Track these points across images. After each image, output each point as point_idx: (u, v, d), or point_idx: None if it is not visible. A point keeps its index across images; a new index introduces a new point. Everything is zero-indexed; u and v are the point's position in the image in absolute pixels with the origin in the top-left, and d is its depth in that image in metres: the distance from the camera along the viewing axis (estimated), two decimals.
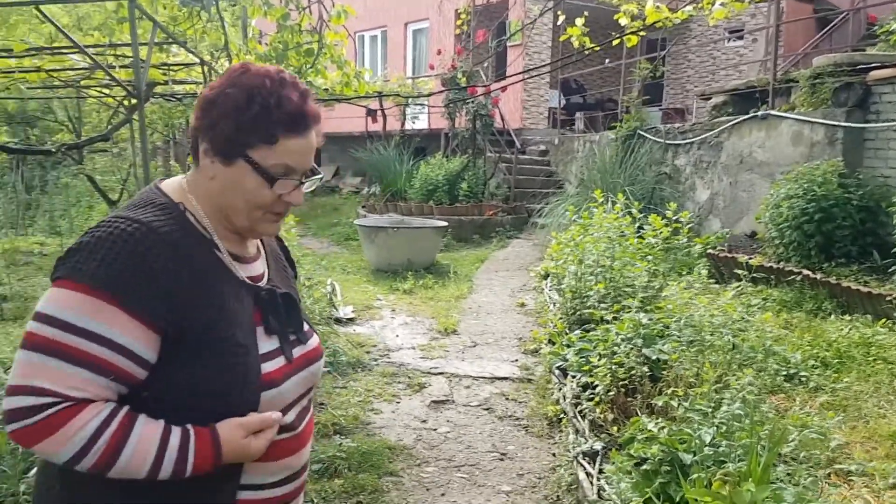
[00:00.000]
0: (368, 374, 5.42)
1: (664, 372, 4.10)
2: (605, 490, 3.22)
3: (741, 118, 8.85)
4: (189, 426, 1.29)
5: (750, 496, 2.46)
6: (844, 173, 6.94)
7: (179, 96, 7.50)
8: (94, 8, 12.42)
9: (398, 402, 4.89)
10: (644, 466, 3.05)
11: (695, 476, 2.74)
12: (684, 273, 6.39)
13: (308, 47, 4.99)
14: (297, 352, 1.49)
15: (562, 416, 4.46)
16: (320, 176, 1.50)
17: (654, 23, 6.32)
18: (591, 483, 3.38)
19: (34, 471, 2.01)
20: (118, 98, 7.52)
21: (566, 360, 4.91)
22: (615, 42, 6.82)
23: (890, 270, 6.06)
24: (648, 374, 4.07)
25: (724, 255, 7.52)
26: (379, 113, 15.42)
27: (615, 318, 4.81)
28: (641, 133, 10.73)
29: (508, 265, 10.11)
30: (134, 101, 5.88)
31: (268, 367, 1.40)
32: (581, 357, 4.70)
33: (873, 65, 7.36)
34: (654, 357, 4.20)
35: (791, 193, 6.87)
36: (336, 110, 17.09)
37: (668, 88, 17.26)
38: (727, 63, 15.78)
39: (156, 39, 4.42)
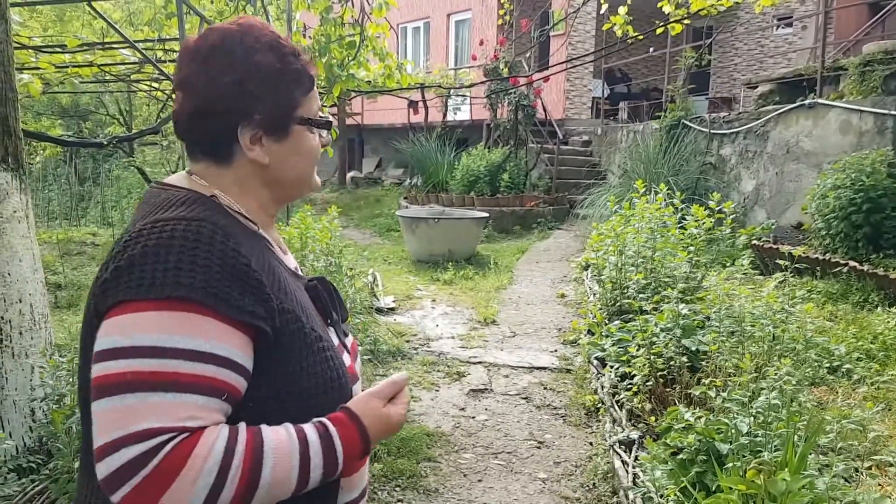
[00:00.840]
0: (408, 363, 5.50)
1: (703, 363, 4.09)
2: (639, 478, 3.24)
3: (788, 107, 8.69)
4: (317, 419, 1.12)
5: (785, 485, 2.46)
6: (894, 163, 6.79)
7: None
8: (145, 3, 12.73)
9: (437, 390, 4.96)
10: (680, 456, 3.07)
11: (730, 465, 2.75)
12: (728, 264, 6.33)
13: (350, 40, 5.07)
14: (348, 343, 1.38)
15: (599, 405, 4.48)
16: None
17: (699, 10, 6.26)
18: (627, 471, 3.40)
19: None
20: (167, 92, 7.71)
21: (604, 351, 4.93)
22: (659, 30, 6.76)
23: None
24: (687, 364, 4.07)
25: (768, 246, 7.41)
26: (420, 104, 15.48)
27: (655, 309, 4.80)
28: (686, 123, 10.60)
29: (549, 256, 10.10)
30: None
31: (345, 360, 1.28)
32: (620, 347, 4.71)
33: None
34: (693, 348, 4.20)
35: (838, 184, 6.74)
36: (378, 102, 17.27)
37: (715, 77, 16.98)
38: (775, 51, 15.46)
39: None
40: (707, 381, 3.67)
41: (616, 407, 4.24)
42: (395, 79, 6.01)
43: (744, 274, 5.58)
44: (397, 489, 3.55)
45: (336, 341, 1.28)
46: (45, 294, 3.37)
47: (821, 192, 7.01)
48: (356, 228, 13.55)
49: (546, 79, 12.70)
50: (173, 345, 0.99)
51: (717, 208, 5.97)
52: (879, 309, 5.62)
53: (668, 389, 4.06)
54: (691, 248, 5.66)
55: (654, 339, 4.27)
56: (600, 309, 6.05)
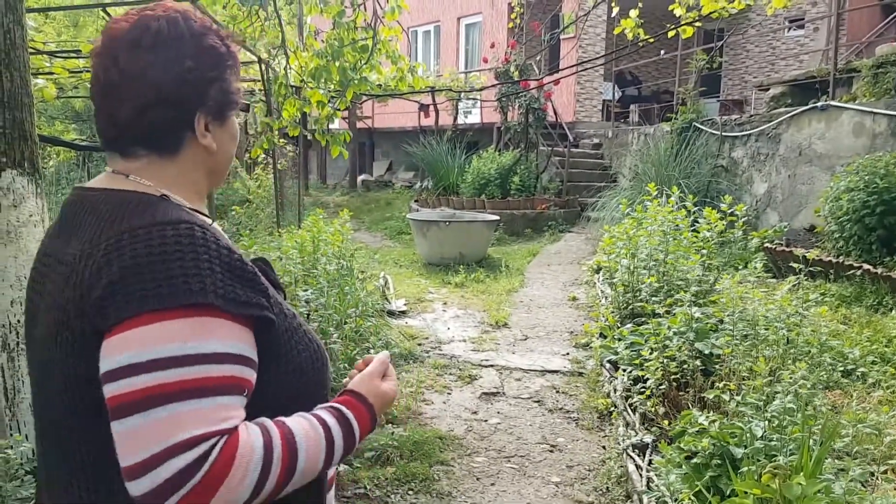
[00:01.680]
0: (420, 366, 5.50)
1: (717, 366, 4.07)
2: (653, 482, 3.23)
3: (800, 109, 8.65)
4: (327, 404, 1.19)
5: (800, 490, 2.45)
6: None
7: None
8: None
9: (449, 394, 4.96)
10: (694, 460, 3.06)
11: (745, 469, 2.74)
12: (740, 267, 6.30)
13: (363, 43, 5.09)
14: None
15: (612, 409, 4.47)
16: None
17: (710, 13, 6.24)
18: (641, 475, 3.39)
19: None
20: None
21: (617, 354, 4.92)
22: (670, 33, 6.74)
23: None
24: (701, 368, 4.05)
25: (781, 249, 7.38)
26: (431, 108, 15.50)
27: (667, 313, 4.78)
28: (697, 125, 10.57)
29: (560, 259, 10.09)
30: None
31: None
32: (632, 351, 4.70)
33: None
34: (706, 351, 4.18)
35: (852, 186, 6.71)
36: (389, 105, 17.29)
37: (727, 79, 16.93)
38: (787, 53, 15.39)
39: None
40: (721, 385, 3.66)
41: (629, 410, 4.23)
42: (408, 82, 6.02)
43: (757, 277, 5.56)
44: (410, 493, 3.55)
45: None
46: None
47: (834, 194, 6.98)
48: (367, 231, 13.57)
49: (556, 82, 12.68)
50: (195, 351, 0.99)
51: (730, 211, 5.96)
52: (894, 312, 5.58)
53: (681, 393, 4.04)
54: (704, 251, 5.64)
55: (668, 342, 4.26)
56: (612, 312, 6.04)
